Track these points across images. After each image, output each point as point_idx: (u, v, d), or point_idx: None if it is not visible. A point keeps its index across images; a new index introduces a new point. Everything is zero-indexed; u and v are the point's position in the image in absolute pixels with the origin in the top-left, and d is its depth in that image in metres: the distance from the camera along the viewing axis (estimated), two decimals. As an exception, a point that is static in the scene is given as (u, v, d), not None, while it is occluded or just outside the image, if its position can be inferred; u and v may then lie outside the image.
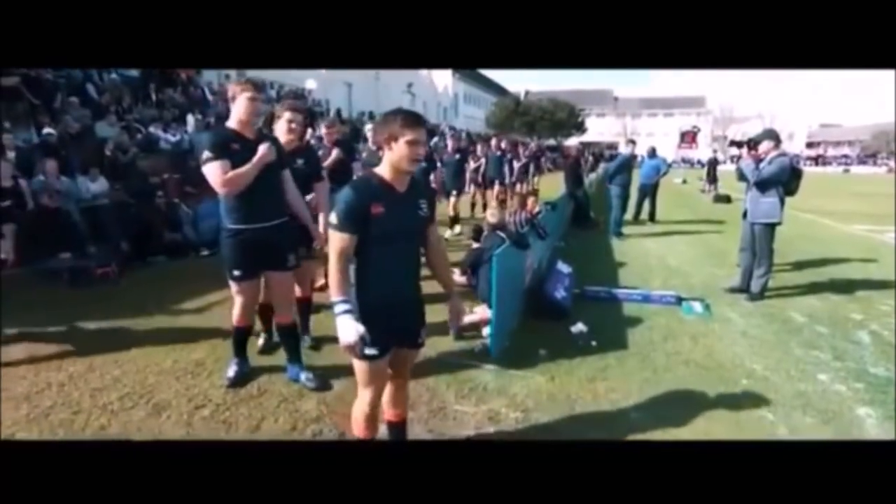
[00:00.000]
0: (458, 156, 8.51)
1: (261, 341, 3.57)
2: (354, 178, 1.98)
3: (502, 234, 4.36)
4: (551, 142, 45.07)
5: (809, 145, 67.89)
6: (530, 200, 5.53)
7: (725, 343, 3.91)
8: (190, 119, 10.31)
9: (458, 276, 5.03)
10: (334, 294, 1.84)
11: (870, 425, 2.78)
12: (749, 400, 3.02)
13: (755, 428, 2.71)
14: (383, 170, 1.92)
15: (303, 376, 3.05)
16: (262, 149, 2.71)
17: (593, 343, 3.77)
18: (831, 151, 64.14)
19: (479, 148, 10.65)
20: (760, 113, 58.98)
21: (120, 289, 5.09)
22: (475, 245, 4.95)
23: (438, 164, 7.63)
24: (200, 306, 4.51)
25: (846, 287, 5.52)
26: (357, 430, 2.12)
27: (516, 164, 11.32)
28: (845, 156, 58.91)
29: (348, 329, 1.80)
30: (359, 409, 2.09)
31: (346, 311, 1.82)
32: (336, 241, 1.86)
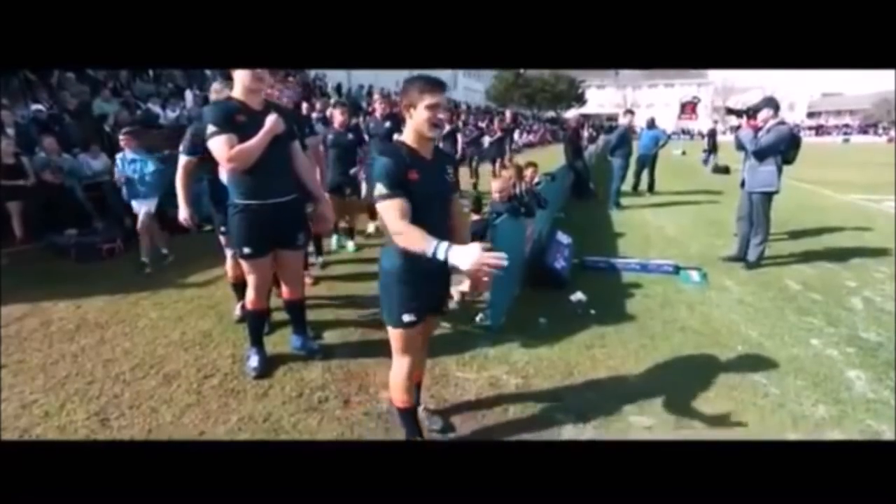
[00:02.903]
0: (388, 124, 5.99)
1: (237, 311, 3.64)
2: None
3: (504, 205, 4.39)
4: (551, 113, 44.54)
5: (811, 115, 67.03)
6: (529, 171, 5.53)
7: (722, 310, 3.98)
8: (188, 94, 10.20)
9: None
10: (425, 245, 1.67)
11: (859, 386, 2.87)
12: (743, 365, 3.10)
13: (748, 391, 2.80)
14: (407, 138, 1.90)
15: (309, 345, 3.13)
16: (270, 120, 2.56)
17: (592, 312, 3.85)
18: (832, 121, 63.38)
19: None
20: (762, 83, 58.01)
21: (127, 263, 5.15)
22: (475, 217, 4.98)
23: (367, 137, 5.83)
24: (206, 280, 4.58)
25: (841, 255, 5.58)
26: (398, 398, 2.15)
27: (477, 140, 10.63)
28: (846, 125, 58.23)
29: (466, 253, 1.61)
30: (399, 377, 2.09)
31: (449, 246, 1.65)
32: (392, 207, 1.77)
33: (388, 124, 5.86)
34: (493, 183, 4.67)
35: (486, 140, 11.38)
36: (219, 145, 2.49)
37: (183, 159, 3.35)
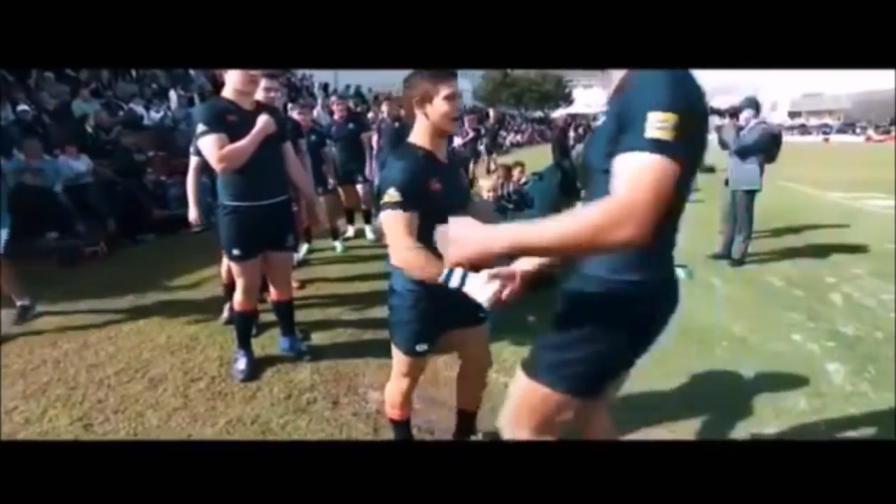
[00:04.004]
0: (351, 125, 5.75)
1: (226, 313, 3.63)
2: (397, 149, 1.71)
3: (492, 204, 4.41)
4: (538, 113, 44.76)
5: (792, 115, 68.24)
6: (516, 171, 5.55)
7: (707, 307, 4.04)
8: (172, 95, 10.08)
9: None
10: (432, 271, 1.46)
11: (838, 379, 2.93)
12: (727, 360, 3.16)
13: (731, 385, 2.85)
14: (422, 139, 1.68)
15: (297, 346, 3.12)
16: (261, 120, 2.56)
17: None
18: (813, 121, 64.60)
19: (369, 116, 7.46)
20: (745, 83, 58.89)
21: (110, 267, 5.08)
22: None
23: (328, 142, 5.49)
24: (192, 282, 4.53)
25: (821, 252, 5.71)
26: (393, 412, 2.03)
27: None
28: (826, 125, 59.39)
29: (479, 288, 1.38)
30: (396, 394, 1.98)
31: (462, 276, 1.39)
32: (399, 220, 1.55)
33: (351, 126, 5.72)
34: (482, 182, 4.69)
35: (457, 142, 10.95)
36: (209, 145, 2.47)
37: (193, 160, 3.37)
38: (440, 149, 1.71)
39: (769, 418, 2.55)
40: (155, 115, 9.08)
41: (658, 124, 0.98)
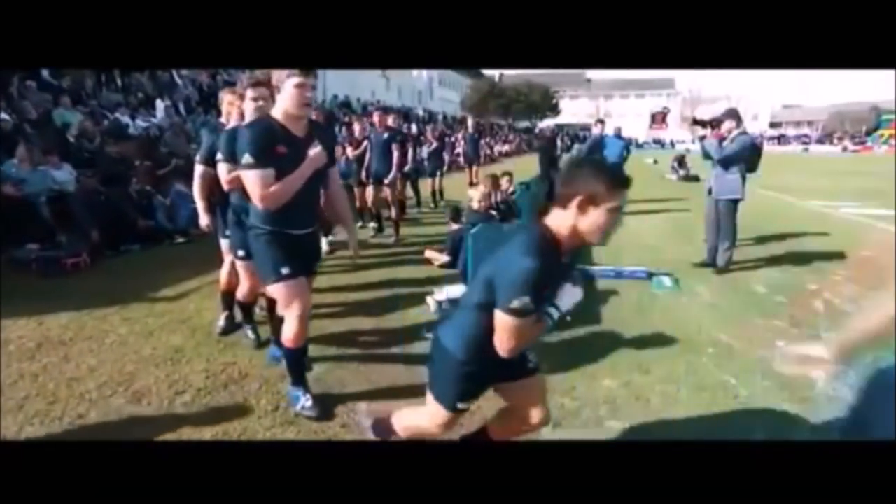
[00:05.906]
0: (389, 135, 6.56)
1: (221, 322, 3.58)
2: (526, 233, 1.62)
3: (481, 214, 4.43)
4: (526, 123, 45.22)
5: (772, 125, 69.83)
6: (504, 180, 5.60)
7: (693, 314, 4.09)
8: (159, 104, 10.00)
9: (439, 256, 5.10)
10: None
11: (821, 385, 2.97)
12: (713, 366, 3.19)
13: (719, 393, 2.87)
14: (560, 228, 1.57)
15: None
16: (312, 154, 2.34)
17: (568, 318, 3.88)
18: (792, 131, 66.18)
19: (356, 128, 7.40)
20: (728, 94, 60.16)
21: (93, 278, 4.98)
22: (454, 226, 5.00)
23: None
24: (177, 294, 4.46)
25: (803, 259, 5.81)
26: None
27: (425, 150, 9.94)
28: (805, 135, 60.88)
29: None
30: (421, 432, 1.98)
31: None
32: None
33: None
34: (472, 192, 4.72)
35: (426, 151, 10.46)
36: (253, 181, 2.26)
37: (199, 168, 3.30)
38: (570, 249, 1.64)
39: (755, 423, 2.57)
40: (141, 125, 9.00)
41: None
